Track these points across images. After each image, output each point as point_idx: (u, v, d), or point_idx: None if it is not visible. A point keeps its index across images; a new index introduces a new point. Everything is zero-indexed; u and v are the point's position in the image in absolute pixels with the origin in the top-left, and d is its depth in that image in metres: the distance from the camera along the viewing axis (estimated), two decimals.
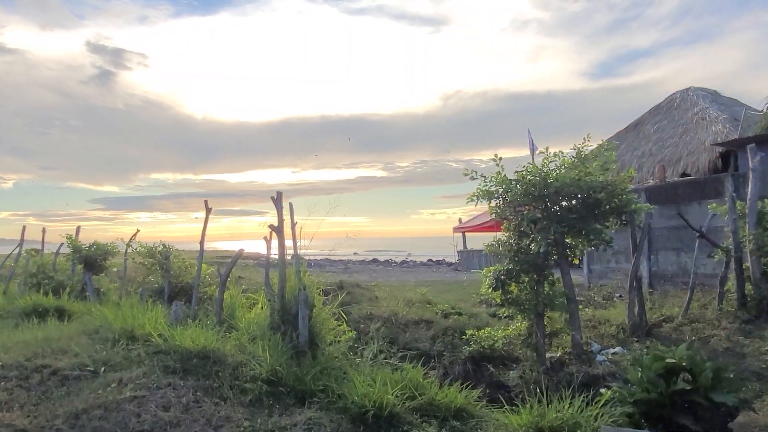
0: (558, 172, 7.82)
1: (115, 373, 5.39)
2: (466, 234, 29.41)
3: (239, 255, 9.13)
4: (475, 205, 8.62)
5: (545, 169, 7.88)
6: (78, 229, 12.95)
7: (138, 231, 11.59)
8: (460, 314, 10.47)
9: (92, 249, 11.78)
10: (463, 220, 30.26)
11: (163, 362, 5.67)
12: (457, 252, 28.54)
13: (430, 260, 47.36)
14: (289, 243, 8.21)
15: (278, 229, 8.10)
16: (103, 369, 5.50)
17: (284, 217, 8.21)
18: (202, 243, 9.72)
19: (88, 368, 5.52)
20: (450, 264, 39.43)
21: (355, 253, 72.68)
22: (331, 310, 7.89)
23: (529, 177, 7.77)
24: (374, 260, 51.41)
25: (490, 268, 8.25)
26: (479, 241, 30.25)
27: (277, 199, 8.17)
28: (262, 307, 8.68)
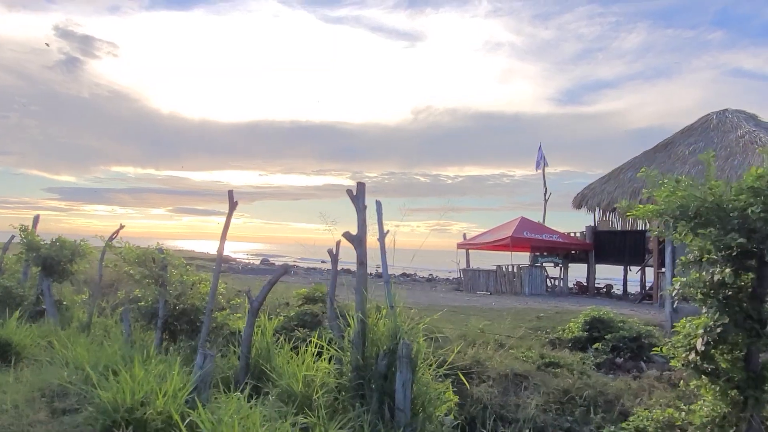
0: None
1: None
2: (470, 251, 26.90)
3: (283, 272, 6.28)
4: (657, 226, 6.03)
5: None
6: (36, 218, 9.79)
7: (122, 227, 8.55)
8: (556, 365, 7.85)
9: (55, 248, 8.68)
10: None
11: None
12: (461, 270, 25.93)
13: (405, 274, 44.46)
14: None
15: (358, 240, 5.32)
16: None
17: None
18: (220, 252, 6.83)
19: None
20: (429, 279, 36.89)
21: (322, 261, 69.38)
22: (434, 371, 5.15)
23: None
24: (347, 270, 48.39)
25: (699, 320, 5.59)
26: (483, 259, 27.78)
27: (358, 195, 5.39)
28: (320, 356, 5.84)
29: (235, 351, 6.58)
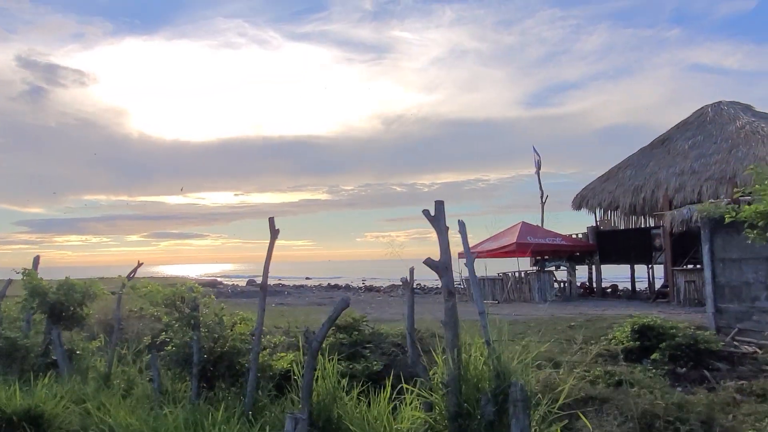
0: None
1: None
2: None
3: (344, 306, 5.51)
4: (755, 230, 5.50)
5: None
6: (36, 259, 8.87)
7: (140, 264, 7.71)
8: (629, 383, 7.25)
9: (63, 291, 7.79)
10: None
11: None
12: (463, 280, 25.29)
13: (393, 286, 42.94)
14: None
15: (443, 266, 4.67)
16: None
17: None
18: (264, 285, 6.11)
19: None
20: (423, 290, 36.29)
21: (307, 278, 67.99)
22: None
23: None
24: (335, 286, 46.85)
25: None
26: (479, 267, 27.22)
27: (437, 215, 4.75)
28: (401, 402, 5.13)
29: (291, 398, 5.85)
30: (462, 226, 4.69)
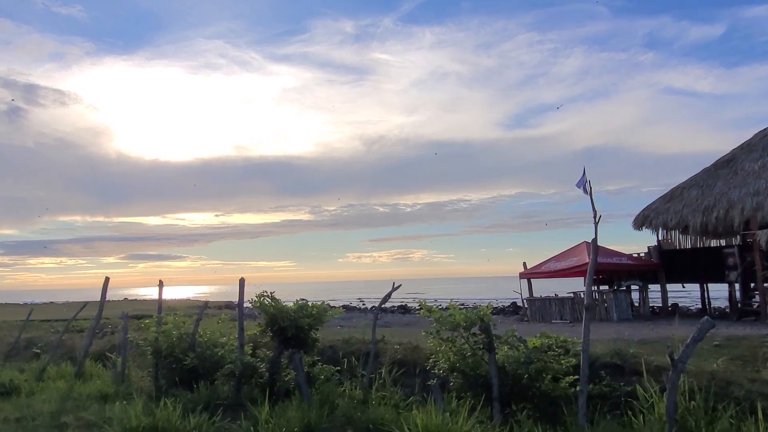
0: None
1: None
2: (533, 280, 26.31)
3: (710, 327, 5.33)
4: None
5: None
6: (242, 281, 8.47)
7: (398, 286, 7.33)
8: None
9: (302, 314, 7.44)
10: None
11: None
12: (525, 300, 25.28)
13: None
14: None
15: None
16: None
17: None
18: (588, 294, 5.98)
19: None
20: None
21: (301, 299, 66.39)
22: None
23: None
24: (345, 306, 45.66)
25: None
26: (546, 288, 27.22)
27: None
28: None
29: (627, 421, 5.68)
30: None
